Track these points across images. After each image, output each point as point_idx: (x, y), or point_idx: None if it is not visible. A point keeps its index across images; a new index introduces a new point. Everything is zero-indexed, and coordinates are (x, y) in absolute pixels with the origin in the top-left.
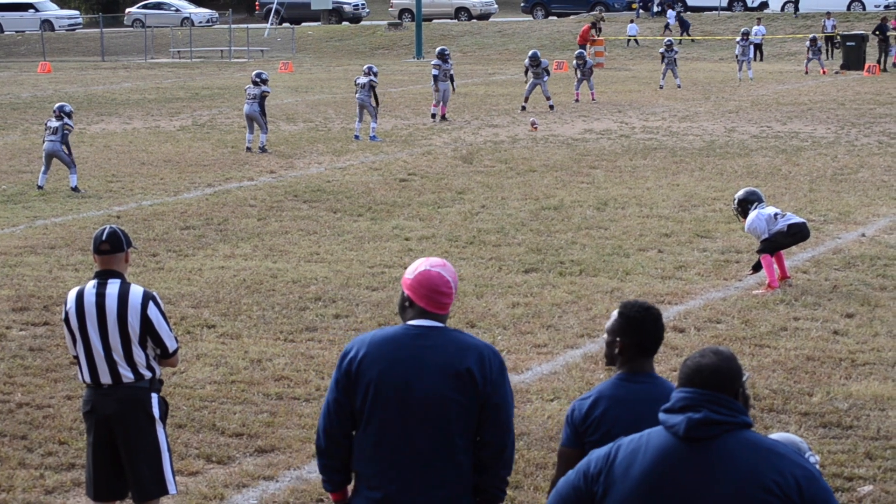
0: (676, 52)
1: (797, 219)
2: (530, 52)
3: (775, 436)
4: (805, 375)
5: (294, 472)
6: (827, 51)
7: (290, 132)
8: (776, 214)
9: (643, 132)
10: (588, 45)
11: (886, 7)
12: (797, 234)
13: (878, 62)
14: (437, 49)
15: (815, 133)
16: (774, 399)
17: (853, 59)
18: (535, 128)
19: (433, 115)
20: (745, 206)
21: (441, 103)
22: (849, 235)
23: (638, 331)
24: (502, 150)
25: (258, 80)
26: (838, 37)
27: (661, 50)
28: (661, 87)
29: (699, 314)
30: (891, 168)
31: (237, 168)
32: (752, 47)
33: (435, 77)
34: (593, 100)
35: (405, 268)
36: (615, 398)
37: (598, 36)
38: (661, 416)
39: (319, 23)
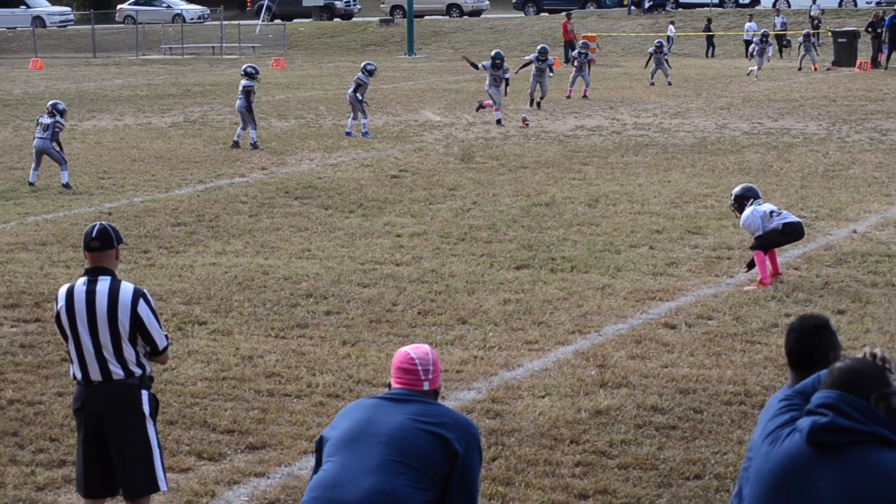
0: (667, 53)
1: (793, 217)
2: (539, 47)
3: None
4: None
5: (285, 469)
6: (779, 49)
7: (281, 129)
8: (772, 212)
9: (635, 129)
10: (581, 41)
11: (878, 3)
12: (792, 233)
13: (871, 59)
14: (494, 52)
15: (807, 129)
16: (766, 395)
17: (844, 56)
18: (527, 125)
19: (498, 121)
20: (741, 201)
21: (496, 105)
22: (840, 232)
23: (786, 339)
24: (494, 146)
25: (243, 73)
26: (816, 33)
27: (651, 49)
28: (652, 84)
29: (690, 310)
30: (882, 164)
31: (228, 165)
32: (769, 48)
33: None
34: (585, 96)
35: (396, 264)
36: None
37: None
38: (803, 417)
39: (311, 19)
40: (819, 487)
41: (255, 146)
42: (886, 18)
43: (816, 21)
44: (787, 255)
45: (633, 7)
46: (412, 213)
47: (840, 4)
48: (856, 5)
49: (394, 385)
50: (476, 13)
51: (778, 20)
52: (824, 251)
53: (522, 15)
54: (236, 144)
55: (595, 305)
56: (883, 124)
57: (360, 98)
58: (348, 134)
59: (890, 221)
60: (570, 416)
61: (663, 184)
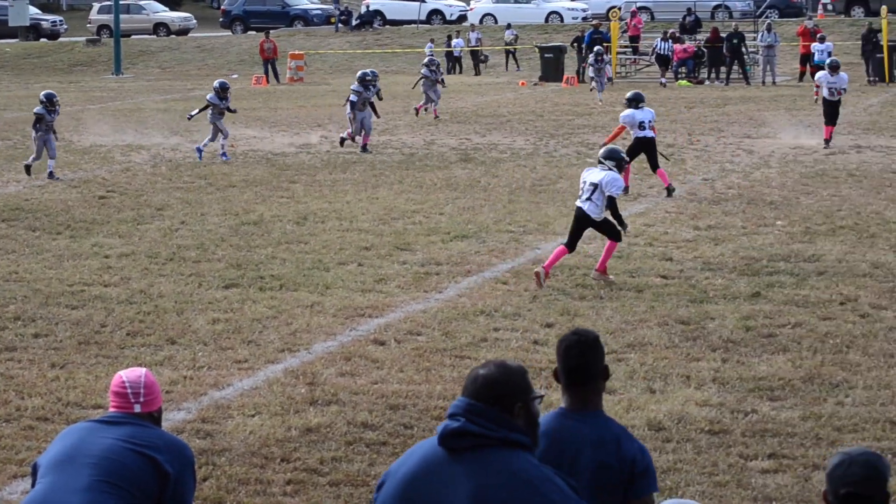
0: (441, 74)
1: (580, 202)
2: (431, 59)
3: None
4: None
5: None
6: (475, 65)
7: None
8: (584, 183)
9: (343, 146)
10: (289, 59)
11: (584, 19)
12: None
13: (577, 73)
14: (359, 73)
15: (514, 144)
16: None
17: (551, 71)
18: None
19: (342, 141)
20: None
21: (364, 133)
22: (548, 246)
23: (564, 357)
24: (202, 165)
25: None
26: (483, 52)
27: (424, 71)
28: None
29: (400, 326)
30: None
31: None
32: (607, 67)
33: (352, 104)
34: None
35: (105, 285)
36: (544, 433)
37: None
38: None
39: (17, 39)
40: (451, 489)
41: (51, 175)
42: (585, 34)
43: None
44: (495, 269)
45: (340, 24)
46: (120, 233)
47: (546, 20)
48: (562, 21)
49: (110, 409)
50: (183, 32)
51: (473, 36)
52: (533, 265)
53: (230, 33)
54: (28, 167)
55: (304, 323)
56: (590, 138)
57: (216, 119)
58: (223, 156)
59: (597, 234)
60: (281, 435)
61: (371, 201)
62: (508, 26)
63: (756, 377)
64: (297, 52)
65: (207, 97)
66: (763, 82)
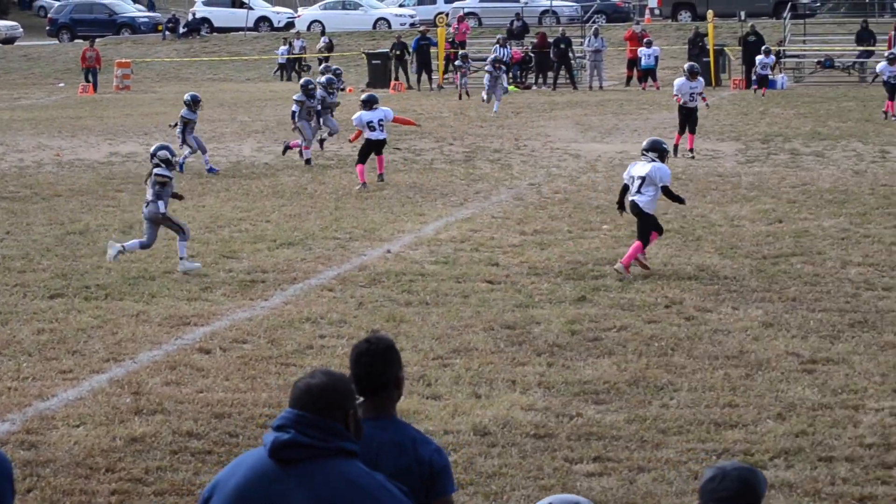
0: (342, 84)
1: (633, 195)
2: (334, 68)
3: (554, 498)
4: None
5: None
6: (298, 73)
7: None
8: (632, 178)
9: (285, 154)
10: (116, 68)
11: (412, 25)
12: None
13: (397, 78)
14: (302, 81)
15: (342, 151)
16: None
17: (379, 78)
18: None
19: (286, 149)
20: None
21: (306, 142)
22: (374, 252)
23: (355, 364)
24: (27, 175)
25: None
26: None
27: (320, 78)
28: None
29: (225, 335)
30: (415, 185)
31: None
32: (505, 76)
33: (295, 114)
34: None
35: None
36: None
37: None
38: (267, 434)
39: None
40: (286, 501)
41: None
42: (413, 41)
43: (325, 58)
44: (321, 276)
45: (167, 32)
46: None
47: (374, 27)
48: (390, 27)
49: None
50: (9, 41)
51: (297, 43)
52: (358, 271)
53: (57, 42)
54: None
55: (130, 332)
56: (416, 144)
57: (189, 134)
58: (210, 170)
59: (423, 241)
60: (106, 445)
61: (198, 209)
62: (323, 33)
63: (581, 381)
64: (123, 61)
65: (181, 113)
66: (590, 87)
